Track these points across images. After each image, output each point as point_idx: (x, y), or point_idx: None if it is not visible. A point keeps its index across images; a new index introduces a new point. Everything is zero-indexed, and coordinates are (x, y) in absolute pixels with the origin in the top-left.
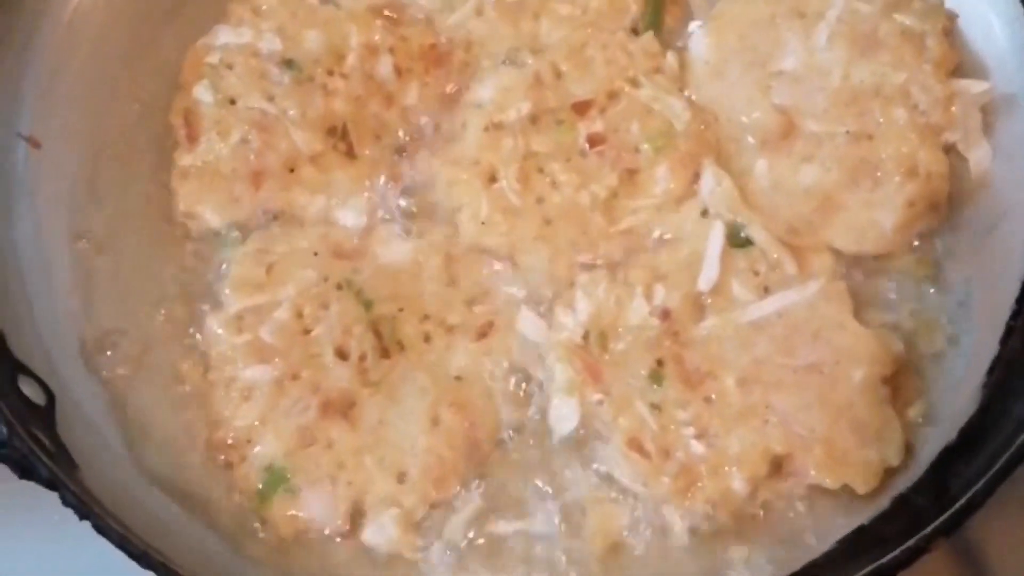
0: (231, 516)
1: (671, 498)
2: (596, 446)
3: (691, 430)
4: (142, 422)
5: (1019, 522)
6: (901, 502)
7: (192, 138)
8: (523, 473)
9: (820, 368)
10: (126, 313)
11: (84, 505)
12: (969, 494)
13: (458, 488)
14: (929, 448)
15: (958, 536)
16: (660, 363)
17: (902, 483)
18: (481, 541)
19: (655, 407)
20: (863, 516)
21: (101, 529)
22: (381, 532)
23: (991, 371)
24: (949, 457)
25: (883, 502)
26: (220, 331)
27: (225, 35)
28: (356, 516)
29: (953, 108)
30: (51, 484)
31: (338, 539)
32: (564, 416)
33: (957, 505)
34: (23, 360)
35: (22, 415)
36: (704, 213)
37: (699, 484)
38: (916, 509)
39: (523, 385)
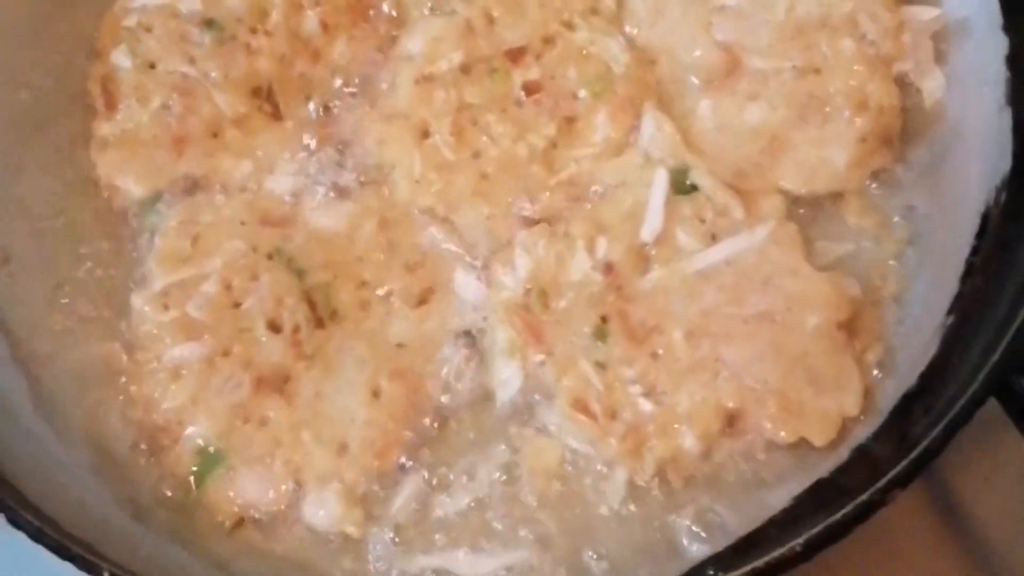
0: (164, 502)
1: (620, 459)
2: (542, 409)
3: (638, 388)
4: (66, 407)
5: (992, 464)
6: (861, 453)
7: (110, 106)
8: (469, 440)
9: (772, 316)
10: (45, 293)
11: None
12: (925, 442)
13: (401, 459)
14: (889, 395)
15: (932, 481)
16: (604, 319)
17: (862, 433)
18: (428, 513)
19: (600, 365)
20: (822, 469)
21: (15, 523)
22: (323, 509)
23: (950, 311)
24: (909, 403)
25: (842, 453)
26: (146, 308)
27: None
28: (296, 495)
29: (903, 37)
30: None
31: (280, 521)
32: (506, 379)
33: (913, 455)
34: None
35: None
36: (646, 160)
37: (648, 444)
38: (876, 459)
39: (466, 349)
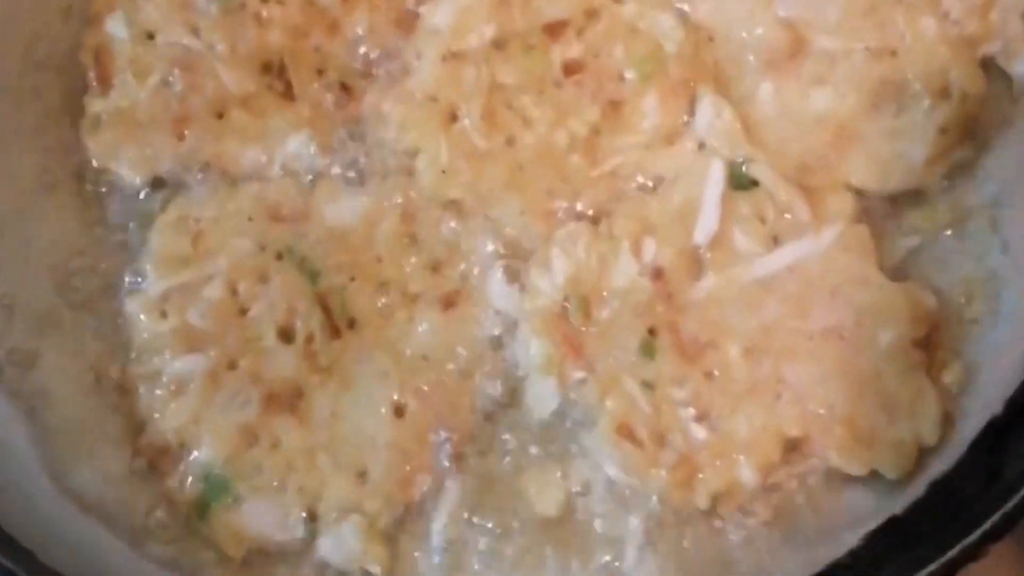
0: (166, 532)
1: (669, 492)
2: (581, 432)
3: (690, 411)
4: (58, 431)
5: None
6: (941, 489)
7: (104, 80)
8: (503, 465)
9: (840, 332)
10: (32, 300)
11: None
12: None
13: (429, 487)
14: (972, 423)
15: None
16: (652, 332)
17: (941, 465)
18: (465, 547)
19: (647, 385)
20: (895, 506)
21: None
22: (341, 544)
23: None
24: (995, 433)
25: (918, 488)
26: (142, 316)
27: None
28: (312, 528)
29: (991, 15)
30: None
31: (294, 556)
32: (542, 398)
33: (1008, 505)
34: None
35: None
36: (700, 150)
37: (701, 475)
38: (961, 497)
39: (500, 361)
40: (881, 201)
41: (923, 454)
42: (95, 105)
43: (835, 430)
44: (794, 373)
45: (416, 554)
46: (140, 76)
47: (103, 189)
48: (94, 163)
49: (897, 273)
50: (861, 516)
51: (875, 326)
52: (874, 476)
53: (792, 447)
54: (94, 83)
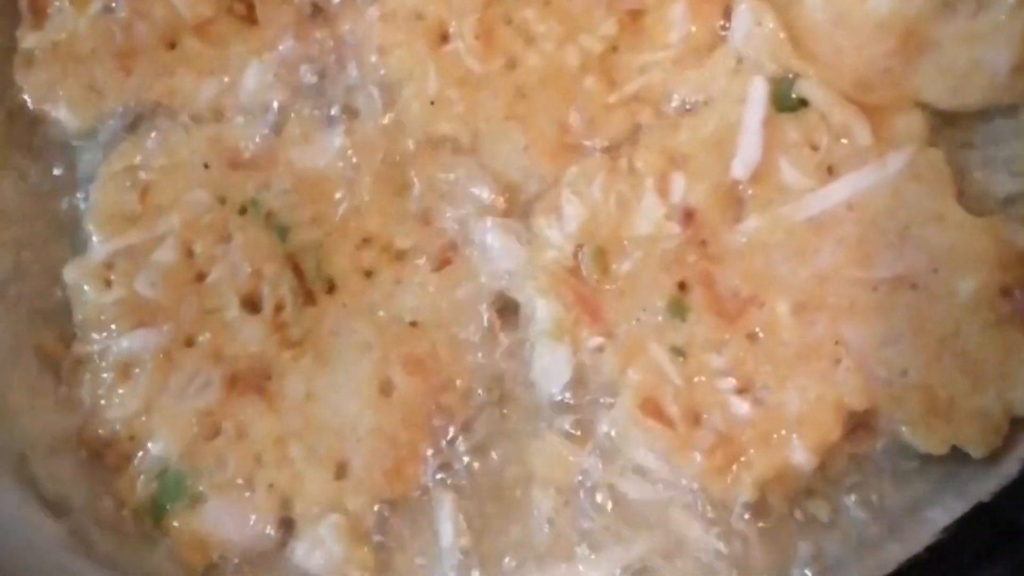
0: (117, 540)
1: (707, 479)
2: (600, 410)
3: (730, 382)
4: None
5: None
6: None
7: (38, 9)
8: (506, 450)
9: (911, 281)
10: None
11: None
12: None
13: (422, 477)
14: None
15: None
16: (683, 288)
17: None
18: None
19: (678, 352)
20: (983, 490)
21: None
22: (319, 549)
23: None
24: None
25: (1010, 468)
26: (84, 285)
27: None
28: (285, 530)
29: None
30: None
31: (265, 564)
32: (551, 370)
33: None
34: None
35: None
36: (738, 65)
37: (744, 459)
38: None
39: (503, 328)
40: (959, 120)
41: (1015, 426)
42: (28, 39)
43: (907, 400)
44: (855, 333)
45: (418, 560)
46: (78, 3)
47: (41, 136)
48: (29, 105)
49: (980, 207)
50: (941, 504)
51: (954, 272)
52: (956, 455)
53: (855, 422)
54: (27, 13)
